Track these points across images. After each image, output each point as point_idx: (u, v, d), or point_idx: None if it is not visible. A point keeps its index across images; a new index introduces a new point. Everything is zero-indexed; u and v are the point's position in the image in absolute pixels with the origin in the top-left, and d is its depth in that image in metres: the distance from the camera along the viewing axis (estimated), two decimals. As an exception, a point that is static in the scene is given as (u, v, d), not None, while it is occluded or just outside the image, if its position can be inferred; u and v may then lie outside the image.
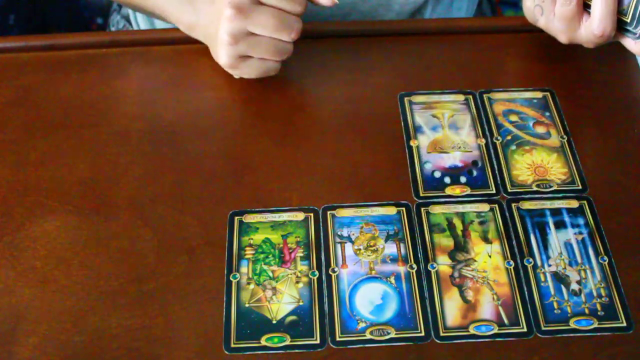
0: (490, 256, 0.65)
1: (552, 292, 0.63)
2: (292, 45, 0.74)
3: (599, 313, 0.61)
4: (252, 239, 0.66)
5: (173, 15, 0.79)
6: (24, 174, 0.71)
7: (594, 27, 0.68)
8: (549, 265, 0.64)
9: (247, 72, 0.75)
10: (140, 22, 1.00)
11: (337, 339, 0.60)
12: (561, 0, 0.70)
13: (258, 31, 0.71)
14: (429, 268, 0.64)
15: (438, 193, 0.69)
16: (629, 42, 0.69)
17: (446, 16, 0.97)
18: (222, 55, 0.73)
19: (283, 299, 0.62)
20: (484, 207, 0.68)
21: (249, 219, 0.68)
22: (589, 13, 0.70)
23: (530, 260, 0.65)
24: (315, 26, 0.84)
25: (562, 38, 0.73)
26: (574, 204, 0.68)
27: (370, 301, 0.62)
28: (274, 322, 0.61)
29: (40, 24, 1.15)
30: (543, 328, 0.60)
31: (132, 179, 0.71)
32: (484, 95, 0.78)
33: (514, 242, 0.66)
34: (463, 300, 0.62)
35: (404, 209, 0.68)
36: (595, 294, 0.63)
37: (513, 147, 0.73)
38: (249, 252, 0.65)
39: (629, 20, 0.68)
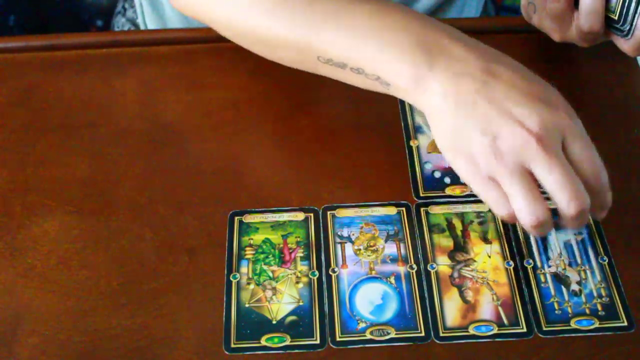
0: (489, 256, 0.65)
1: (553, 292, 0.63)
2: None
3: (599, 313, 0.61)
4: (252, 239, 0.66)
5: (392, 71, 0.61)
6: (24, 174, 0.71)
7: (581, 23, 0.69)
8: (549, 266, 0.64)
9: (483, 194, 0.59)
10: (149, 24, 0.98)
11: (337, 339, 0.60)
12: None
13: (539, 174, 0.57)
14: (429, 268, 0.64)
15: (438, 193, 0.69)
16: (618, 40, 0.69)
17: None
18: (465, 168, 0.59)
19: (283, 299, 0.62)
20: (484, 207, 0.68)
21: (249, 219, 0.68)
22: None
23: (530, 261, 0.65)
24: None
25: (555, 36, 0.73)
26: (574, 204, 0.68)
27: (370, 301, 0.62)
28: (274, 322, 0.61)
29: (41, 25, 1.15)
30: (544, 328, 0.60)
31: (132, 179, 0.71)
32: (484, 96, 0.77)
33: (514, 243, 0.66)
34: (463, 300, 0.62)
35: (404, 209, 0.68)
36: (595, 294, 0.63)
37: (513, 147, 0.73)
38: (249, 252, 0.65)
39: (616, 18, 0.68)
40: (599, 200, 0.59)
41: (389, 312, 0.62)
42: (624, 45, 0.69)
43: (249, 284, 0.64)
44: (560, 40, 0.73)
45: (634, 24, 0.67)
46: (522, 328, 0.61)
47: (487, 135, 0.57)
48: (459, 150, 0.59)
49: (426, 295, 0.63)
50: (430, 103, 0.60)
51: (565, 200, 0.56)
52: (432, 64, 0.59)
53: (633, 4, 0.66)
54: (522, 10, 0.78)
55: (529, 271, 0.64)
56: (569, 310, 0.62)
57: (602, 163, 0.59)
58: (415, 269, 0.64)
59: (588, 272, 0.64)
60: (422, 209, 0.68)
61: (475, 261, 0.65)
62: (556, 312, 0.62)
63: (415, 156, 0.72)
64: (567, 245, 0.66)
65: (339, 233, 0.67)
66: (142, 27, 1.00)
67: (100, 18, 1.17)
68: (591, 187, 0.58)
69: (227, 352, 0.60)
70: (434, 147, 0.73)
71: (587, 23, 0.68)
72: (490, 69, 0.60)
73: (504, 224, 0.67)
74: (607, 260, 0.65)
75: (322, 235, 0.66)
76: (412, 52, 0.60)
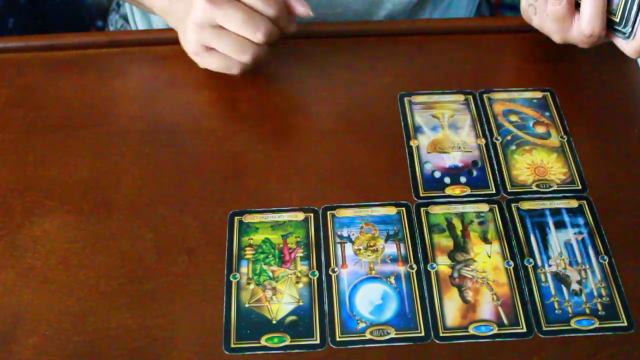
0: (489, 256, 0.65)
1: (553, 292, 0.63)
2: (258, 48, 0.73)
3: (599, 313, 0.61)
4: (252, 239, 0.66)
5: (148, 1, 0.80)
6: (24, 174, 0.71)
7: (583, 27, 0.69)
8: (550, 266, 0.64)
9: (208, 63, 0.75)
10: (138, 21, 1.00)
11: (337, 339, 0.60)
12: (552, 0, 0.70)
13: (225, 24, 0.72)
14: (429, 268, 0.64)
15: (438, 193, 0.69)
16: (620, 42, 0.69)
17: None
18: (188, 41, 0.74)
19: (283, 299, 0.62)
20: (484, 207, 0.68)
21: (249, 219, 0.68)
22: None
23: (531, 260, 0.65)
24: (315, 26, 0.84)
25: (556, 38, 0.73)
26: (574, 204, 0.68)
27: (370, 301, 0.62)
28: (274, 322, 0.61)
29: (40, 26, 1.15)
30: (544, 328, 0.60)
31: (132, 179, 0.71)
32: (484, 95, 0.78)
33: (514, 243, 0.66)
34: (463, 300, 0.62)
35: (403, 209, 0.68)
36: (595, 293, 0.63)
37: (513, 147, 0.73)
38: (249, 252, 0.65)
39: (618, 20, 0.68)
40: (280, 19, 0.73)
41: (389, 312, 0.62)
42: (626, 46, 0.69)
43: (249, 284, 0.64)
44: (561, 42, 0.73)
45: (636, 26, 0.67)
46: (522, 328, 0.61)
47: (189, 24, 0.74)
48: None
49: (426, 295, 0.63)
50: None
51: (252, 33, 0.71)
52: None
53: (635, 6, 0.66)
54: (522, 12, 0.78)
55: (529, 270, 0.64)
56: (569, 309, 0.62)
57: None
58: (415, 269, 0.64)
59: (588, 271, 0.64)
60: (422, 209, 0.68)
61: (475, 261, 0.65)
62: (556, 311, 0.61)
63: (415, 156, 0.72)
64: (568, 245, 0.66)
65: (338, 233, 0.67)
66: (131, 23, 1.01)
67: (100, 19, 1.17)
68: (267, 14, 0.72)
69: (227, 352, 0.60)
70: (434, 147, 0.73)
71: (589, 26, 0.68)
72: None
73: (504, 223, 0.67)
74: (607, 260, 0.65)
75: (322, 235, 0.66)
76: None
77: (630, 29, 0.67)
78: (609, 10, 0.68)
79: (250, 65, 0.74)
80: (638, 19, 0.66)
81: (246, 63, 0.74)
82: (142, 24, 0.99)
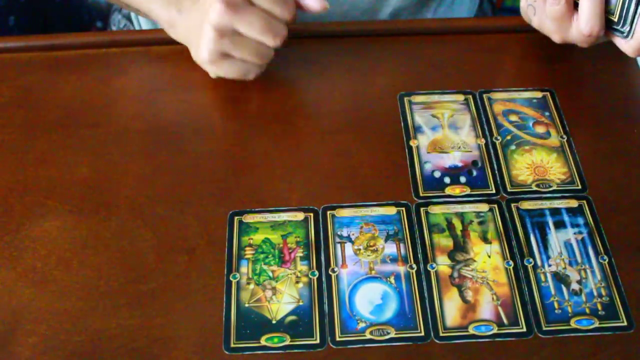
0: (489, 256, 0.65)
1: (553, 292, 0.63)
2: (273, 52, 0.74)
3: (599, 313, 0.61)
4: (252, 239, 0.66)
5: (154, 12, 0.78)
6: (24, 174, 0.71)
7: (582, 27, 0.69)
8: (549, 265, 0.64)
9: (225, 71, 0.74)
10: (142, 21, 0.99)
11: (337, 339, 0.60)
12: (550, 0, 0.70)
13: (244, 30, 0.71)
14: (429, 268, 0.64)
15: (438, 193, 0.69)
16: (619, 41, 0.69)
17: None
18: (204, 49, 0.73)
19: (283, 299, 0.62)
20: (484, 207, 0.68)
21: (249, 219, 0.68)
22: None
23: (531, 260, 0.65)
24: (315, 26, 0.84)
25: (555, 38, 0.73)
26: (574, 203, 0.68)
27: (370, 301, 0.62)
28: (274, 322, 0.61)
29: (41, 25, 1.15)
30: (544, 328, 0.60)
31: (132, 179, 0.71)
32: (484, 95, 0.78)
33: (514, 242, 0.66)
34: (462, 300, 0.62)
35: (403, 209, 0.68)
36: (595, 293, 0.63)
37: (513, 147, 0.73)
38: (248, 252, 0.65)
39: (616, 20, 0.68)
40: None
41: (389, 312, 0.62)
42: (625, 46, 0.69)
43: (248, 283, 0.64)
44: (561, 42, 0.73)
45: (634, 25, 0.67)
46: (522, 328, 0.61)
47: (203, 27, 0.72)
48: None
49: (426, 295, 0.63)
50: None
51: (271, 39, 0.72)
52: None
53: (632, 6, 0.66)
54: (521, 12, 0.78)
55: (529, 270, 0.64)
56: (569, 309, 0.62)
57: None
58: (415, 268, 0.64)
59: (588, 271, 0.64)
60: (422, 209, 0.68)
61: (475, 261, 0.65)
62: (556, 311, 0.62)
63: (415, 156, 0.72)
64: (567, 245, 0.66)
65: (338, 233, 0.67)
66: (135, 23, 1.01)
67: (100, 19, 1.17)
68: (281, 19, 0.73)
69: (227, 352, 0.60)
70: (434, 147, 0.73)
71: (587, 25, 0.68)
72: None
73: (504, 223, 0.67)
74: (607, 260, 0.65)
75: (321, 235, 0.67)
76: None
77: (628, 28, 0.67)
78: (607, 10, 0.68)
79: (263, 69, 0.75)
80: (636, 18, 0.66)
81: (262, 66, 0.74)
82: (147, 24, 0.98)
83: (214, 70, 0.75)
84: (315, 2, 0.74)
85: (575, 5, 0.70)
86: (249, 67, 0.74)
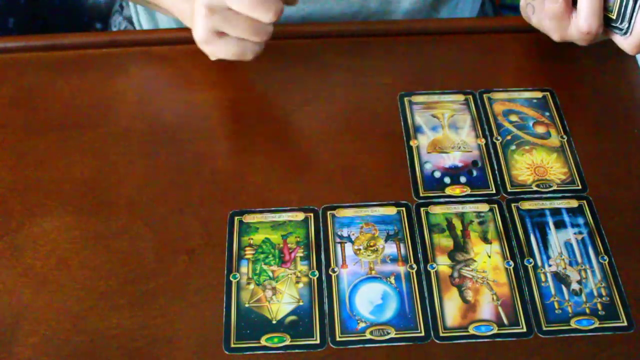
0: (489, 256, 0.65)
1: (553, 292, 0.63)
2: (271, 27, 0.71)
3: (599, 313, 0.61)
4: (252, 239, 0.66)
5: (176, 7, 0.77)
6: (24, 174, 0.71)
7: (580, 25, 0.69)
8: (550, 265, 0.64)
9: (223, 51, 0.72)
10: (144, 23, 0.99)
11: (337, 339, 0.60)
12: None
13: (236, 6, 0.69)
14: (429, 268, 0.64)
15: (438, 193, 0.69)
16: (617, 39, 0.70)
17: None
18: (198, 28, 0.71)
19: (283, 299, 0.62)
20: (484, 207, 0.68)
21: (249, 219, 0.68)
22: None
23: (531, 260, 0.65)
24: (315, 26, 0.84)
25: (554, 36, 0.73)
26: (574, 203, 0.68)
27: (370, 301, 0.62)
28: (274, 322, 0.61)
29: (40, 27, 1.15)
30: (544, 328, 0.60)
31: (132, 179, 0.71)
32: (484, 95, 0.78)
33: (514, 242, 0.66)
34: (463, 300, 0.62)
35: (403, 209, 0.68)
36: (595, 293, 0.63)
37: (513, 147, 0.73)
38: (249, 252, 0.65)
39: (614, 17, 0.68)
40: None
41: (389, 312, 0.62)
42: (623, 43, 0.69)
43: (249, 284, 0.64)
44: (560, 40, 0.73)
45: (632, 22, 0.67)
46: (522, 328, 0.61)
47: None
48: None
49: (426, 295, 0.63)
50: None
51: (263, 14, 0.68)
52: None
53: (630, 3, 0.66)
54: (521, 11, 0.78)
55: (529, 270, 0.64)
56: (569, 309, 0.62)
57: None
58: (415, 268, 0.64)
59: (588, 271, 0.64)
60: (422, 209, 0.68)
61: (475, 261, 0.65)
62: (556, 311, 0.62)
63: (415, 156, 0.72)
64: (568, 245, 0.66)
65: (338, 233, 0.67)
66: (136, 25, 1.01)
67: (99, 21, 1.17)
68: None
69: (227, 352, 0.60)
70: (434, 147, 0.73)
71: (586, 23, 0.68)
72: None
73: (504, 223, 0.67)
74: (607, 260, 0.65)
75: (322, 235, 0.66)
76: None
77: (627, 25, 0.67)
78: (605, 8, 0.68)
79: (262, 48, 0.72)
80: (634, 15, 0.66)
81: (259, 45, 0.72)
82: (148, 26, 0.98)
83: (211, 51, 0.73)
84: None
85: (573, 4, 0.70)
86: (246, 45, 0.72)
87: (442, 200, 0.69)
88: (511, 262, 0.64)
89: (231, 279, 0.64)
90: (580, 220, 0.67)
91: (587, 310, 0.62)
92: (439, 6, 0.94)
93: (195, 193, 0.70)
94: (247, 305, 0.62)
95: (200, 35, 0.72)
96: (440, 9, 0.95)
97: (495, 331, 0.60)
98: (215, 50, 0.73)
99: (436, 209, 0.68)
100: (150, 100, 0.78)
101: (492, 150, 0.73)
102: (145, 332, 0.61)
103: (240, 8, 0.69)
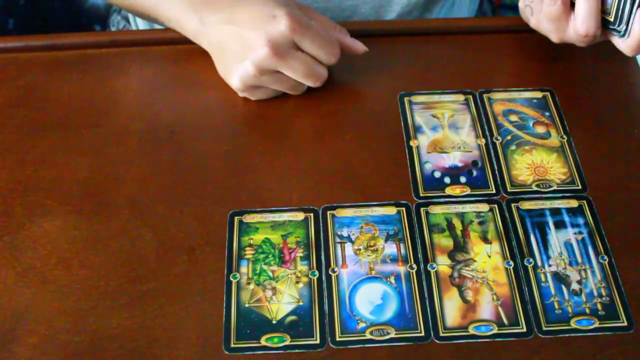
0: (489, 256, 0.65)
1: (553, 292, 0.63)
2: (306, 87, 0.76)
3: (599, 313, 0.61)
4: (252, 239, 0.66)
5: (173, 22, 0.78)
6: (24, 174, 0.71)
7: (578, 27, 0.69)
8: (550, 265, 0.64)
9: (255, 96, 0.76)
10: (140, 23, 1.00)
11: (337, 339, 0.60)
12: (547, 1, 0.70)
13: (287, 73, 0.73)
14: (429, 268, 0.64)
15: (438, 193, 0.69)
16: (616, 40, 0.70)
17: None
18: (238, 80, 0.74)
19: (283, 299, 0.62)
20: (484, 207, 0.68)
21: (249, 219, 0.68)
22: None
23: (531, 260, 0.65)
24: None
25: (553, 37, 0.73)
26: (574, 203, 0.68)
27: (370, 301, 0.62)
28: (274, 322, 0.61)
29: (39, 29, 1.15)
30: (544, 328, 0.60)
31: (132, 179, 0.71)
32: (484, 95, 0.78)
33: (514, 242, 0.66)
34: (463, 300, 0.62)
35: (403, 209, 0.68)
36: (595, 293, 0.63)
37: (513, 147, 0.73)
38: (249, 252, 0.65)
39: (612, 19, 0.68)
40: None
41: (389, 312, 0.62)
42: (622, 45, 0.69)
43: (249, 284, 0.64)
44: (559, 42, 0.74)
45: (630, 24, 0.67)
46: (522, 328, 0.61)
47: (244, 61, 0.72)
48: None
49: (426, 295, 0.63)
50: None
51: (312, 82, 0.74)
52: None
53: (628, 5, 0.66)
54: (520, 12, 0.79)
55: (529, 270, 0.64)
56: (569, 309, 0.62)
57: (334, 38, 0.75)
58: (415, 268, 0.64)
59: (588, 271, 0.64)
60: (422, 209, 0.68)
61: (475, 261, 0.65)
62: (556, 311, 0.62)
63: (415, 156, 0.72)
64: (568, 245, 0.66)
65: (338, 233, 0.67)
66: (132, 24, 1.01)
67: (99, 22, 1.18)
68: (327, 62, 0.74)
69: (227, 352, 0.60)
70: (434, 147, 0.73)
71: (583, 26, 0.69)
72: (232, 13, 0.74)
73: (504, 223, 0.67)
74: (607, 260, 0.65)
75: (322, 235, 0.67)
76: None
77: (624, 27, 0.67)
78: (603, 10, 0.68)
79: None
80: (632, 17, 0.66)
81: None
82: (144, 26, 0.99)
83: (242, 94, 0.76)
84: (360, 45, 0.76)
85: (572, 6, 0.70)
86: (279, 92, 0.76)
87: (442, 200, 0.69)
88: (511, 262, 0.64)
89: (231, 279, 0.64)
90: (580, 220, 0.67)
91: (587, 310, 0.62)
92: (431, 6, 0.94)
93: (195, 193, 0.70)
94: (247, 305, 0.62)
95: (236, 85, 0.75)
96: (433, 9, 0.95)
97: (495, 331, 0.60)
98: (247, 95, 0.76)
99: (436, 209, 0.68)
100: (150, 100, 0.78)
101: (492, 150, 0.73)
102: (145, 332, 0.61)
103: (293, 76, 0.73)
